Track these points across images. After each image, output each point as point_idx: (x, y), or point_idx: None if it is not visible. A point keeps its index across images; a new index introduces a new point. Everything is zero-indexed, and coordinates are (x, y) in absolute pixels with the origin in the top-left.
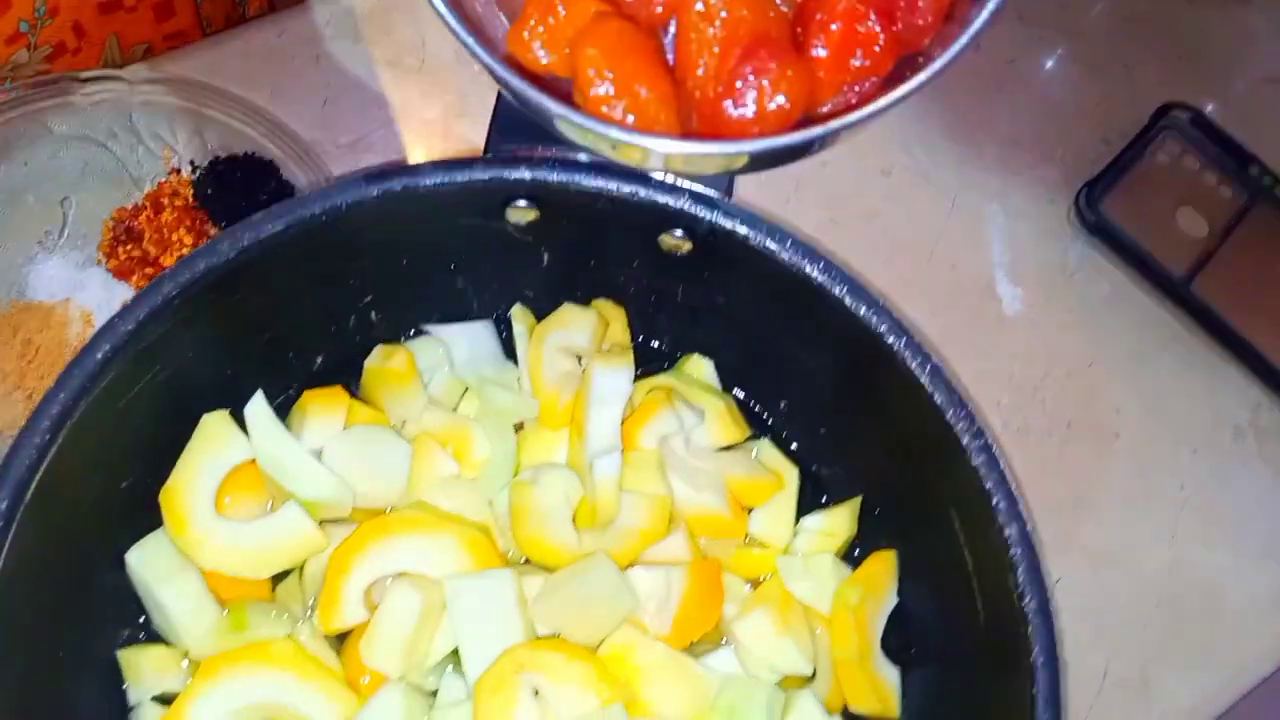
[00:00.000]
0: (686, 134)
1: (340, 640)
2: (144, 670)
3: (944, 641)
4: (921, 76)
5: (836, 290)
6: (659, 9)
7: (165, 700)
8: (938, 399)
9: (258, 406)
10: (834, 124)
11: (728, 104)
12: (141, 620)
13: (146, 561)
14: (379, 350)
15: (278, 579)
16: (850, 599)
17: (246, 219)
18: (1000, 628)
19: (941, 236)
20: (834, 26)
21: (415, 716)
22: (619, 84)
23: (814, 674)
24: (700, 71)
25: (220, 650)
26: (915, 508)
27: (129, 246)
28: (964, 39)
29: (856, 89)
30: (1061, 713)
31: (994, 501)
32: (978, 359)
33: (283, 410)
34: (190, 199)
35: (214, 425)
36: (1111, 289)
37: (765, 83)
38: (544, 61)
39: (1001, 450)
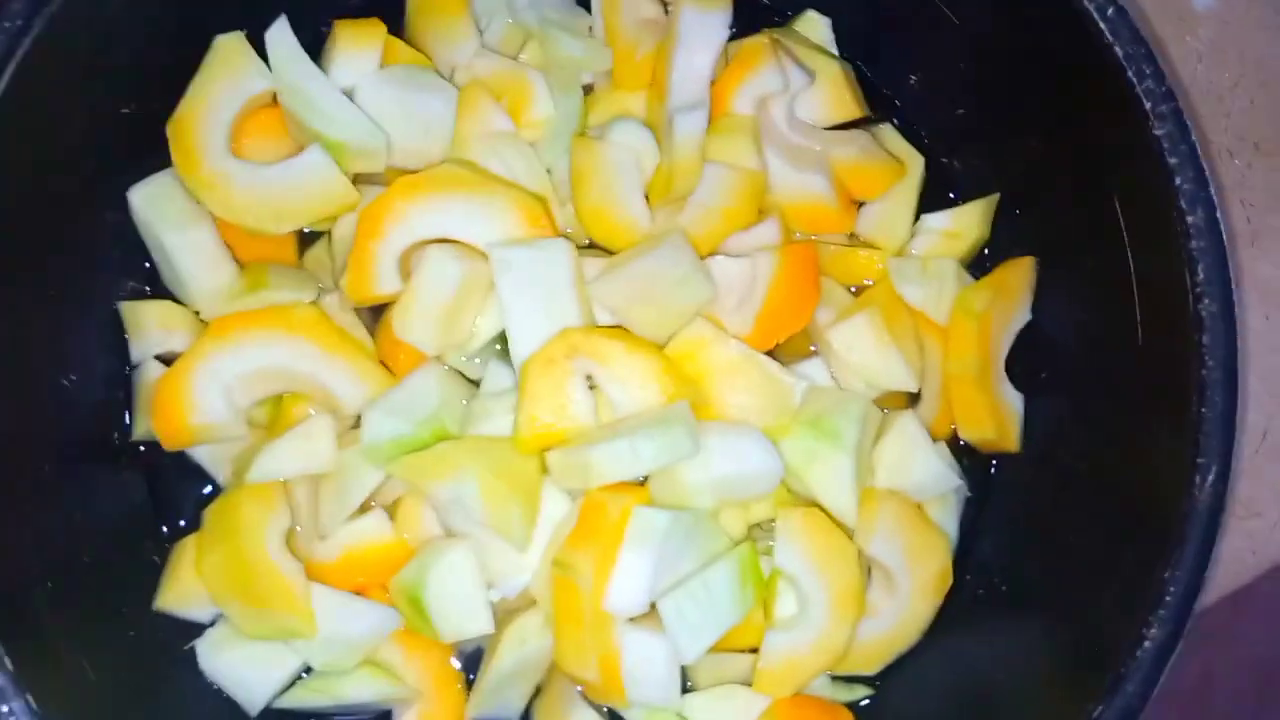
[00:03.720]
0: None
1: (374, 318)
2: (147, 324)
3: (1084, 365)
4: None
5: None
6: None
7: (170, 361)
8: (1119, 50)
9: (281, 31)
10: None
11: None
12: (147, 271)
13: (152, 202)
14: None
15: (304, 245)
16: (975, 305)
17: None
18: (1163, 342)
19: None
20: None
21: (453, 401)
22: None
23: (919, 398)
24: None
25: (234, 312)
26: (1068, 203)
27: None
28: None
29: None
30: (1234, 439)
31: (1177, 181)
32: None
33: (312, 53)
34: None
35: (230, 48)
36: None
37: None
38: None
39: (1193, 111)
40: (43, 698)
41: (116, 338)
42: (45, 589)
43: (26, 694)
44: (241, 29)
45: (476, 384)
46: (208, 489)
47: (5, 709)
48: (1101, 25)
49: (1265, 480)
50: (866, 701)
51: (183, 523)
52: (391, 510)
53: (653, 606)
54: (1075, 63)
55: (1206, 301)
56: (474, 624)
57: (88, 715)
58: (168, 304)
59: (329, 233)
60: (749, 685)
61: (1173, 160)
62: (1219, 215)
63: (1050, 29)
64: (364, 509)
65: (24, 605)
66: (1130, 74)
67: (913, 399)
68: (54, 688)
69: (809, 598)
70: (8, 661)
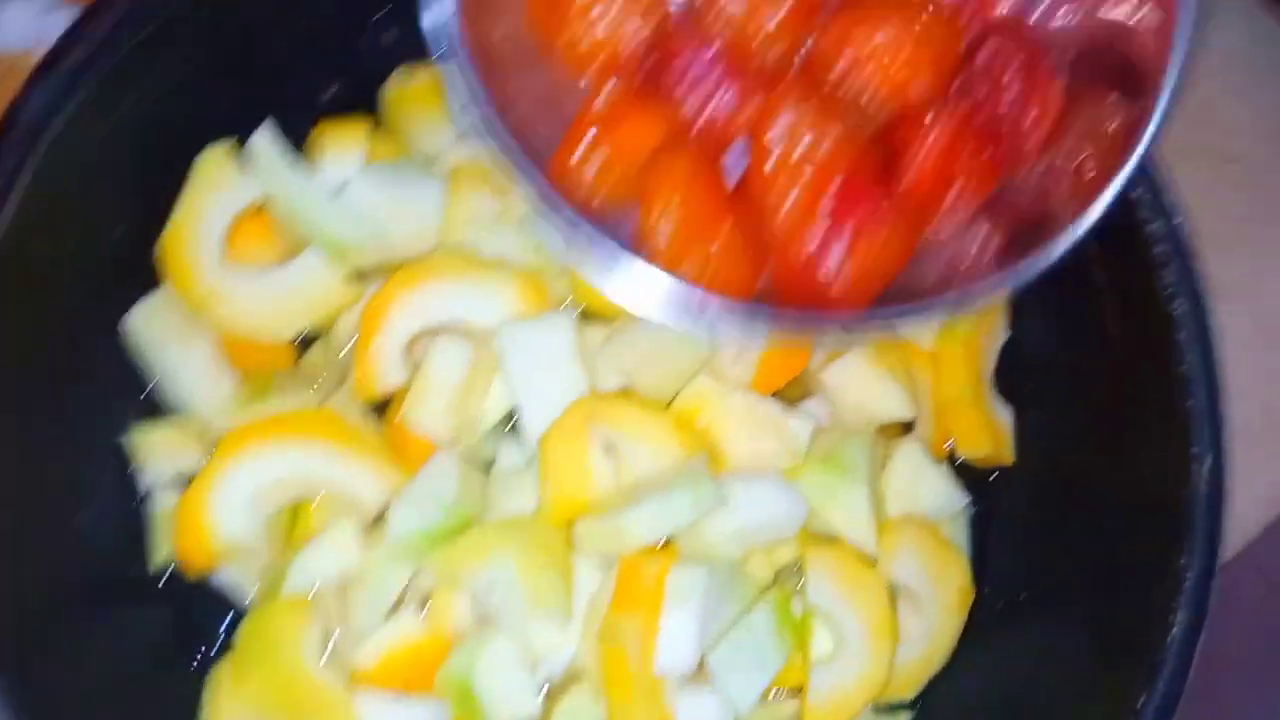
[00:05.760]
0: (755, 286)
1: (380, 414)
2: (156, 450)
3: (1069, 373)
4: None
5: None
6: (729, 127)
7: (182, 485)
8: None
9: (266, 138)
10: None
11: (820, 271)
12: (145, 398)
13: (149, 324)
14: (399, 71)
15: (302, 348)
16: (959, 329)
17: None
18: (1144, 344)
19: None
20: (923, 157)
21: (470, 489)
22: (689, 239)
23: (912, 424)
24: (783, 214)
25: (241, 424)
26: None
27: None
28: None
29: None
30: (1222, 428)
31: (1137, 191)
32: None
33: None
34: None
35: (214, 162)
36: None
37: (863, 240)
38: (597, 191)
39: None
40: None
41: (123, 469)
42: None
43: None
44: (224, 138)
45: (488, 466)
46: (230, 615)
47: None
48: None
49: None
50: None
51: (208, 654)
52: (424, 604)
53: (698, 663)
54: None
55: (1178, 302)
56: (525, 707)
57: None
58: (174, 425)
59: (328, 333)
60: None
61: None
62: (1179, 222)
63: None
64: (395, 609)
65: None
66: None
67: (906, 426)
68: None
69: (845, 632)
70: None
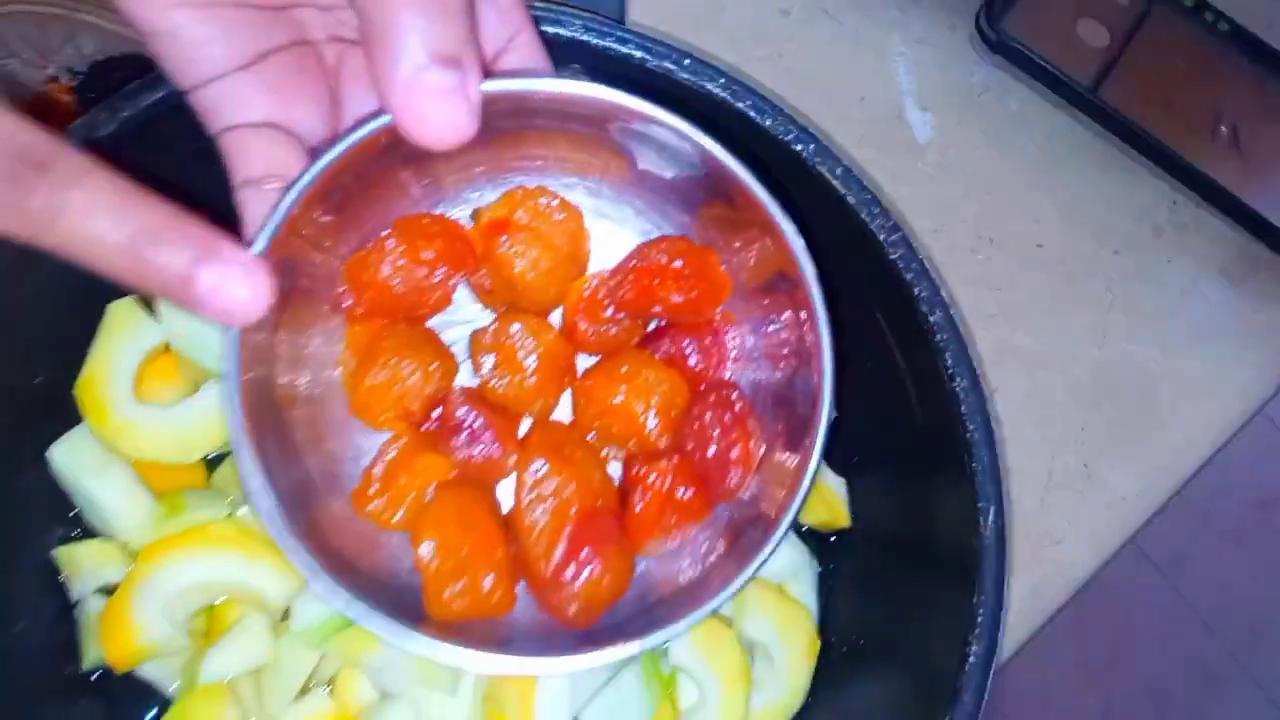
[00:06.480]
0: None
1: None
2: (83, 565)
3: (885, 445)
4: (751, 567)
5: (740, 105)
6: (497, 468)
7: (108, 591)
8: (851, 199)
9: None
10: (679, 625)
11: (561, 584)
12: (73, 516)
13: (71, 456)
14: None
15: (212, 467)
16: None
17: (121, 90)
18: (938, 417)
19: (846, 71)
20: (647, 497)
21: None
22: (461, 570)
23: None
24: (533, 537)
25: (158, 538)
26: (841, 316)
27: None
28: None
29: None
30: (1002, 483)
31: (916, 291)
32: (895, 185)
33: None
34: (74, 106)
35: (122, 311)
36: (1020, 105)
37: (591, 569)
38: (392, 521)
39: (920, 244)
40: None
41: (54, 581)
42: None
43: None
44: (129, 294)
45: None
46: (157, 706)
47: None
48: (834, 183)
49: (1058, 511)
50: None
51: None
52: (329, 685)
53: None
54: (823, 213)
55: (959, 379)
56: None
57: None
58: (98, 542)
59: (231, 453)
60: None
61: (908, 275)
62: (952, 313)
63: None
64: (304, 691)
65: None
66: (863, 215)
67: None
68: None
69: (704, 684)
70: None
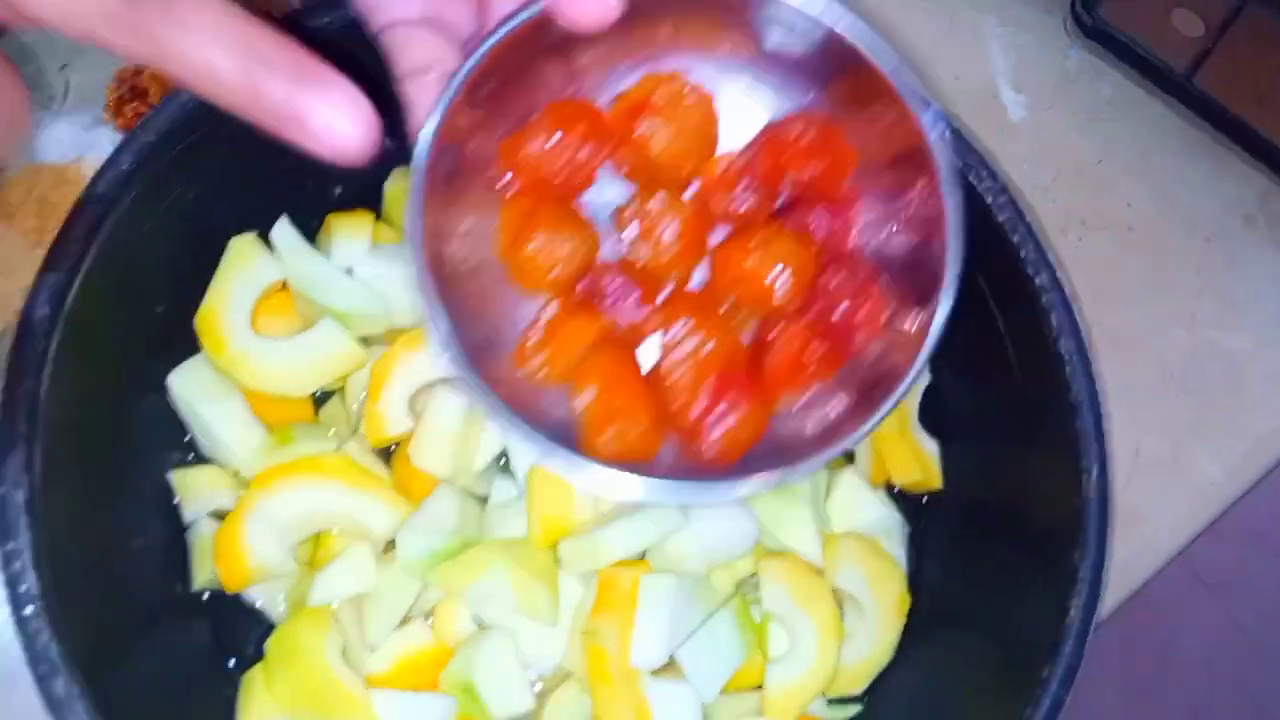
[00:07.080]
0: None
1: (386, 458)
2: (197, 489)
3: (982, 408)
4: (885, 407)
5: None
6: (640, 330)
7: (219, 516)
8: (959, 160)
9: (284, 228)
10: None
11: (702, 440)
12: (188, 442)
13: (188, 384)
14: (397, 171)
15: (320, 403)
16: None
17: None
18: (1037, 379)
19: (942, 50)
20: (779, 355)
21: (468, 518)
22: (615, 416)
23: (853, 456)
24: (676, 394)
25: (269, 467)
26: None
27: (135, 104)
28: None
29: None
30: (1105, 442)
31: (1021, 254)
32: None
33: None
34: None
35: (243, 247)
36: (1113, 91)
37: (732, 415)
38: (550, 376)
39: (1025, 201)
40: None
41: (168, 503)
42: None
43: None
44: (249, 231)
45: (483, 499)
46: (262, 627)
47: None
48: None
49: (1143, 491)
50: (857, 716)
51: (243, 659)
52: (429, 615)
53: (671, 659)
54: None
55: (1064, 340)
56: (521, 701)
57: None
58: (212, 468)
59: (341, 390)
60: (760, 718)
61: (1015, 237)
62: (1059, 275)
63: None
64: (405, 620)
65: None
66: (970, 177)
67: (849, 457)
68: None
69: (797, 632)
70: None
